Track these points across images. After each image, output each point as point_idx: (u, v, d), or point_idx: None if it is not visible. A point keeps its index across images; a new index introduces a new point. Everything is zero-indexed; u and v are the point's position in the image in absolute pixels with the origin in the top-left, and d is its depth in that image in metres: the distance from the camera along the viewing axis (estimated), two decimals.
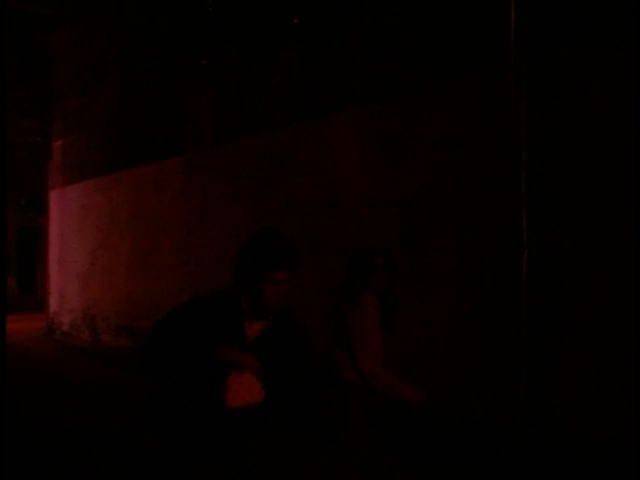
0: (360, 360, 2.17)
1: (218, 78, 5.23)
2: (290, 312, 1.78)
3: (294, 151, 4.41)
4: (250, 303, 1.68)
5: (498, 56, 3.08)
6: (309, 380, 1.82)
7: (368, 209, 3.83)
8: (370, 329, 2.20)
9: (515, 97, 2.94)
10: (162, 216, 5.88)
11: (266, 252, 1.65)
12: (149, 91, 6.19)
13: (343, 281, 2.36)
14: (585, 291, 2.74)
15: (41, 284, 10.73)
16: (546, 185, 2.89)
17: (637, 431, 2.53)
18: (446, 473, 3.08)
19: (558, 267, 2.84)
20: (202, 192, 5.36)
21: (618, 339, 2.62)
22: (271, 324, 1.72)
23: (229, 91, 5.09)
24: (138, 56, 6.41)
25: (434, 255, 3.42)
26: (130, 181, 6.38)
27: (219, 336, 1.60)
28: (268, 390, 1.64)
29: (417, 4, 3.57)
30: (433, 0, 3.47)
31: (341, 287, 2.33)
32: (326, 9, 4.19)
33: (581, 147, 2.78)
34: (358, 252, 2.34)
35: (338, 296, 2.34)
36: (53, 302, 8.18)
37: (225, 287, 1.81)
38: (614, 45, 2.67)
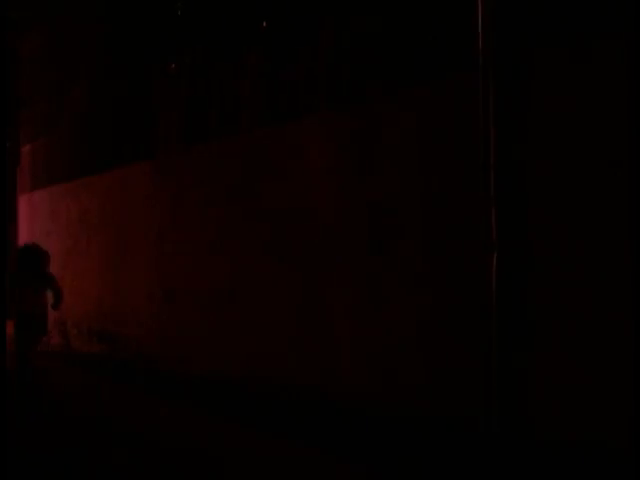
0: None
1: (187, 81, 5.27)
2: None
3: (263, 155, 4.48)
4: None
5: (466, 58, 3.16)
6: None
7: (336, 214, 3.91)
8: None
9: (483, 98, 3.04)
10: (132, 220, 5.89)
11: None
12: (118, 94, 6.20)
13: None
14: (554, 291, 2.83)
15: None
16: (515, 186, 2.98)
17: (606, 434, 2.64)
18: (410, 472, 3.17)
19: (527, 267, 2.93)
20: (172, 196, 5.39)
21: (589, 341, 2.71)
22: None
23: (199, 94, 5.14)
24: (106, 59, 6.40)
25: (402, 258, 3.51)
26: (100, 185, 6.37)
27: None
28: None
29: (384, 7, 3.66)
30: (400, 3, 3.57)
31: None
32: (295, 12, 4.27)
33: (550, 148, 2.87)
34: None
35: None
36: None
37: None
38: (585, 45, 2.75)
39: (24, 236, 8.04)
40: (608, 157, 2.65)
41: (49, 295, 4.93)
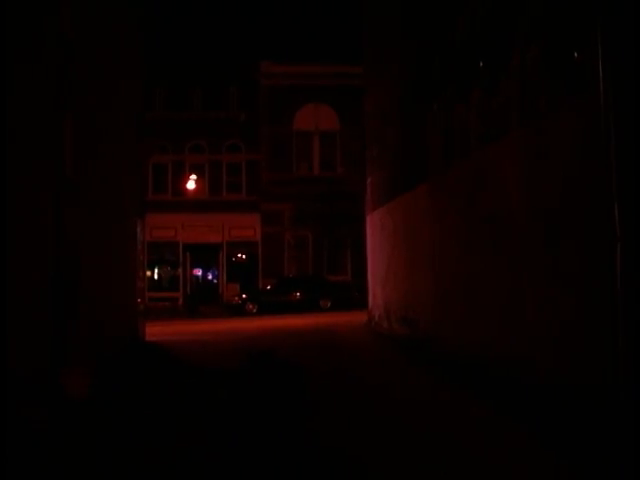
0: None
1: (442, 120, 6.77)
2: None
3: (477, 172, 5.68)
4: None
5: (591, 85, 3.89)
6: None
7: (518, 220, 4.85)
8: None
9: (604, 117, 3.70)
10: (418, 234, 7.64)
11: None
12: (406, 138, 8.08)
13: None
14: None
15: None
16: (635, 185, 3.63)
17: None
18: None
19: None
20: (440, 212, 6.92)
21: None
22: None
23: (446, 127, 6.59)
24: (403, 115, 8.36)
25: (561, 253, 4.31)
26: (400, 206, 8.35)
27: None
28: None
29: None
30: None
31: None
32: (496, 54, 5.40)
33: None
34: None
35: None
36: (370, 300, 10.69)
37: None
38: None
39: (369, 247, 10.61)
40: None
41: None
